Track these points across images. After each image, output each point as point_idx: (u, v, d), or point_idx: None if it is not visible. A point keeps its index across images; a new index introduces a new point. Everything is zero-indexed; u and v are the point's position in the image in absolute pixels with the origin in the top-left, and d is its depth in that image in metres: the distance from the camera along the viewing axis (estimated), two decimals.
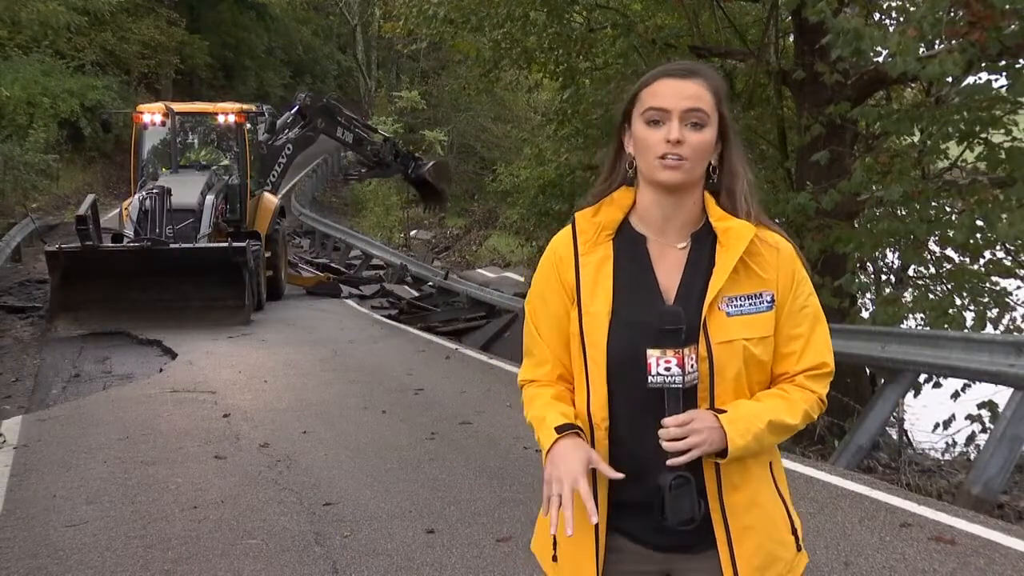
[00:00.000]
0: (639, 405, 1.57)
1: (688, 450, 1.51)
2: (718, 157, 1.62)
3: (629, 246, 1.64)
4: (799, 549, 1.67)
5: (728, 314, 1.56)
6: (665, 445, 1.52)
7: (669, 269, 1.62)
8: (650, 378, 1.53)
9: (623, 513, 1.63)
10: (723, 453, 1.53)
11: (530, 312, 1.72)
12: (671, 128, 1.55)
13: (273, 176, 15.36)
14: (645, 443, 1.56)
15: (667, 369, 1.52)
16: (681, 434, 1.50)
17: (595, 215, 1.66)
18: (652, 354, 1.53)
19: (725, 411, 1.54)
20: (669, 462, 1.52)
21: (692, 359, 1.53)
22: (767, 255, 1.59)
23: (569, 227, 1.68)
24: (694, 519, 1.54)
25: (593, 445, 1.60)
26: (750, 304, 1.57)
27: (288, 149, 15.58)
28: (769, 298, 1.58)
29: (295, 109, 15.83)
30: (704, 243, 1.61)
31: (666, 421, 1.51)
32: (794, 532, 1.66)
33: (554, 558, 1.69)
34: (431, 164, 17.96)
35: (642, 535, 1.63)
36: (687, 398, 1.54)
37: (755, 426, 1.54)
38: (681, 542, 1.59)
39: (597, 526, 1.61)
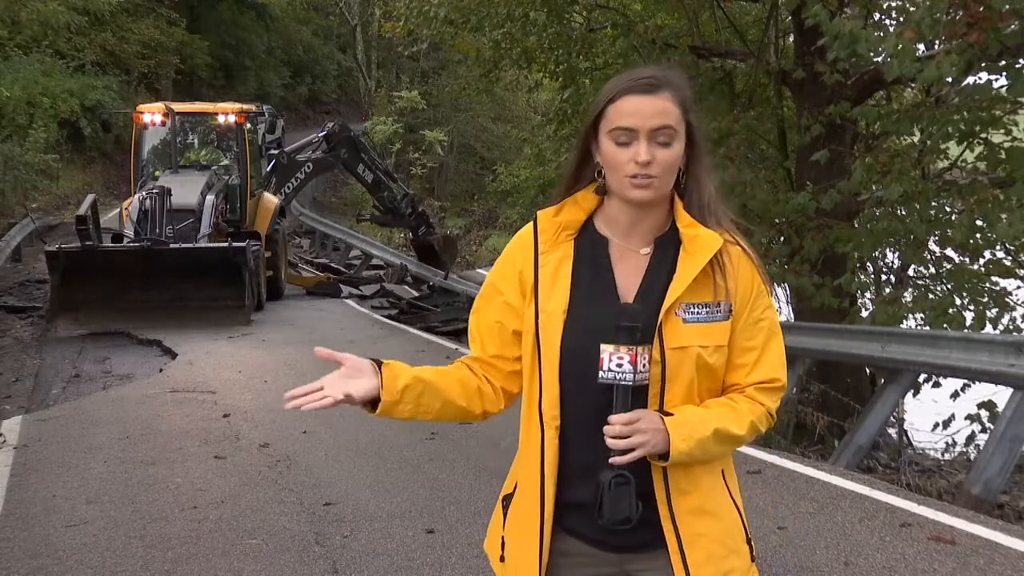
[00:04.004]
0: (590, 405, 1.56)
1: (632, 449, 1.50)
2: (684, 162, 1.61)
3: (590, 247, 1.64)
4: (752, 559, 1.65)
5: (684, 320, 1.56)
6: (609, 442, 1.51)
7: (629, 272, 1.62)
8: (601, 373, 1.52)
9: (575, 514, 1.62)
10: (666, 456, 1.53)
11: (480, 299, 1.73)
12: (640, 150, 1.53)
13: (288, 188, 15.76)
14: (595, 443, 1.55)
15: (619, 365, 1.51)
16: (626, 432, 1.50)
17: (557, 215, 1.66)
18: (605, 349, 1.52)
19: (672, 414, 1.54)
20: (611, 460, 1.52)
21: (645, 359, 1.53)
22: (727, 265, 1.58)
23: (531, 224, 1.69)
24: (630, 519, 1.54)
25: (543, 444, 1.61)
26: (707, 312, 1.57)
27: (308, 167, 16.09)
28: (727, 308, 1.58)
29: (323, 133, 16.23)
30: (668, 248, 1.61)
31: (612, 418, 1.51)
32: (748, 542, 1.64)
33: (501, 558, 1.71)
34: (441, 235, 18.09)
35: (596, 536, 1.61)
36: (636, 397, 1.53)
37: (700, 432, 1.53)
38: (637, 541, 1.59)
39: (542, 527, 1.62)
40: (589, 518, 1.58)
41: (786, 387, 1.65)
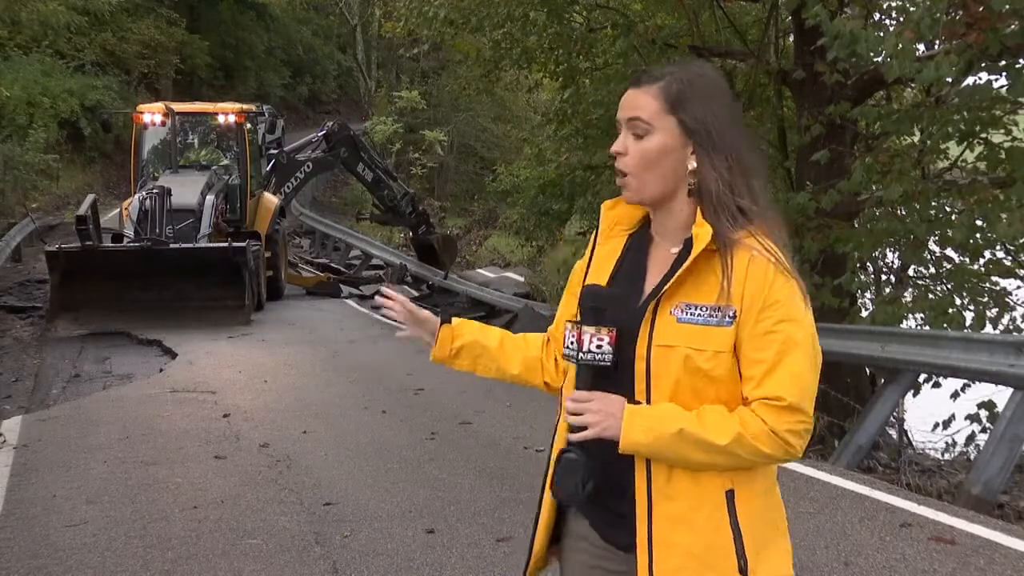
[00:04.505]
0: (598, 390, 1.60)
1: (585, 428, 1.54)
2: (695, 162, 1.59)
3: (638, 243, 1.68)
4: None
5: (678, 320, 1.53)
6: (567, 417, 1.57)
7: (659, 269, 1.63)
8: (564, 349, 1.61)
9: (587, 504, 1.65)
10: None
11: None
12: (617, 140, 1.60)
13: (288, 188, 15.80)
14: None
15: (573, 343, 1.58)
16: (578, 409, 1.54)
17: (613, 208, 1.71)
18: (568, 326, 1.60)
19: (642, 405, 1.55)
20: (568, 435, 1.57)
21: (597, 340, 1.55)
22: (738, 268, 1.52)
23: None
24: (575, 496, 1.58)
25: (555, 429, 1.69)
26: (709, 315, 1.52)
27: (308, 167, 16.11)
28: (732, 313, 1.51)
29: (322, 133, 16.28)
30: (689, 248, 1.60)
31: (571, 395, 1.57)
32: (743, 570, 1.55)
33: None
34: (441, 235, 18.10)
35: (603, 530, 1.64)
36: (600, 378, 1.56)
37: (662, 428, 1.50)
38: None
39: (539, 505, 1.70)
40: (592, 507, 1.64)
41: (800, 409, 1.50)
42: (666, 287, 1.55)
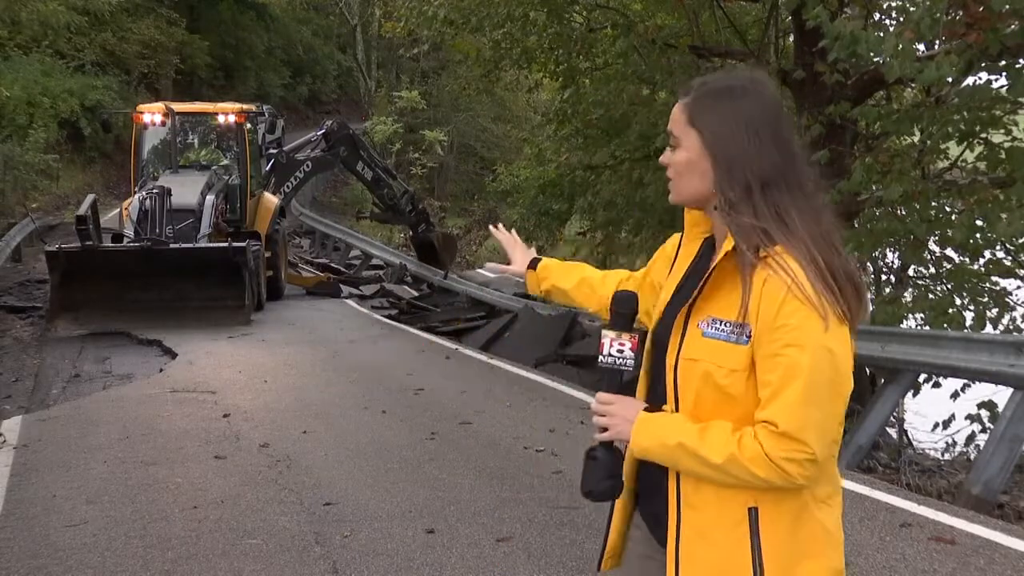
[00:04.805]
0: (657, 389, 1.65)
1: (605, 429, 1.61)
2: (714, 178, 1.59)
3: (709, 249, 1.68)
4: None
5: (704, 334, 1.53)
6: (592, 417, 1.65)
7: None
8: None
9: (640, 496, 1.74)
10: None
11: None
12: (665, 151, 1.66)
13: (287, 187, 15.79)
14: None
15: (599, 347, 1.63)
16: (599, 411, 1.62)
17: (692, 209, 1.72)
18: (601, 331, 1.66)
19: (659, 412, 1.60)
20: (594, 435, 1.64)
21: (618, 345, 1.61)
22: (755, 287, 1.48)
23: None
24: (596, 493, 1.64)
25: None
26: (731, 332, 1.50)
27: (307, 167, 16.11)
28: (748, 332, 1.48)
29: (322, 132, 16.28)
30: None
31: (596, 395, 1.64)
32: None
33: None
34: (441, 234, 18.11)
35: (650, 525, 1.70)
36: (617, 381, 1.63)
37: (665, 438, 1.53)
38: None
39: (613, 502, 1.74)
40: (641, 503, 1.72)
41: (796, 438, 1.44)
42: (691, 300, 1.56)
